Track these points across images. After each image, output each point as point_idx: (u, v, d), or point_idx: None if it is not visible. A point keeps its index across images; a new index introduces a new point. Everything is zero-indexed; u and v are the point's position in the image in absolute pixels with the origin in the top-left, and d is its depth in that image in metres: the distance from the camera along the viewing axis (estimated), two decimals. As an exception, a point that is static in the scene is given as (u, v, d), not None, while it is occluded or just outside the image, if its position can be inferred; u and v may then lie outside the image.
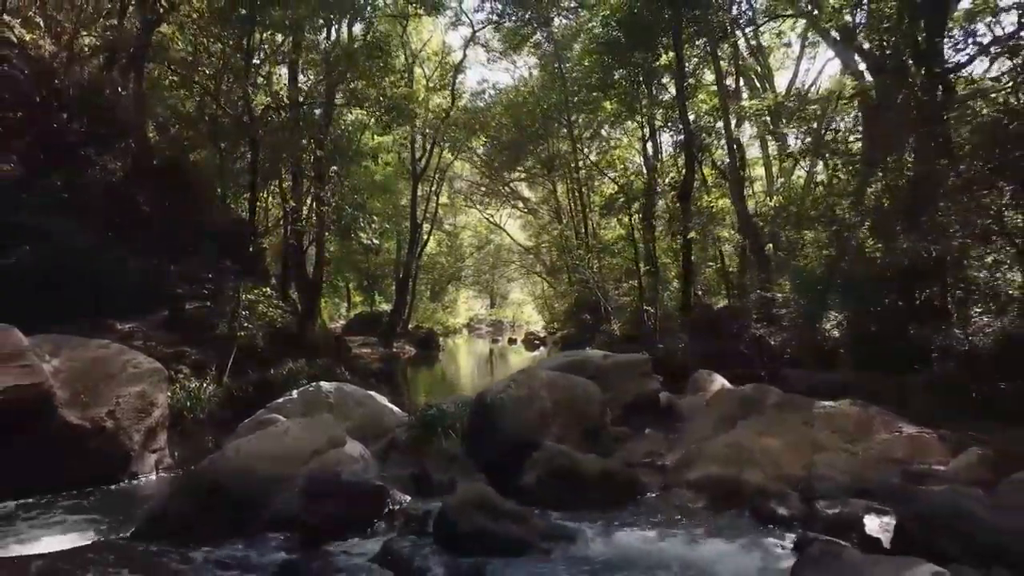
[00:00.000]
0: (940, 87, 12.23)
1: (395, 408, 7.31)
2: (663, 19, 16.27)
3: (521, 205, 35.88)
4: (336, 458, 4.99)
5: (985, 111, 10.83)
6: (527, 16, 25.35)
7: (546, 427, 5.40)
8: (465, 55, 26.56)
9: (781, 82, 25.60)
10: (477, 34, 26.48)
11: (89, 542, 4.46)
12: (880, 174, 13.33)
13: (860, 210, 13.29)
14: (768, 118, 23.80)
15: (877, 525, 3.74)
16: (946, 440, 6.24)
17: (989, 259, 11.16)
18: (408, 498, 4.75)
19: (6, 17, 14.26)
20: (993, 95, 11.33)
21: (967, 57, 12.74)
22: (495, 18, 25.88)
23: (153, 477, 7.07)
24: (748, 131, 20.27)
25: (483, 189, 34.87)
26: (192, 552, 4.06)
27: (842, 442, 6.05)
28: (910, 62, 13.35)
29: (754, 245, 13.98)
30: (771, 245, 15.39)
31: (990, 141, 10.32)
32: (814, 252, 13.71)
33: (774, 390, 7.58)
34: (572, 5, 26.17)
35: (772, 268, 13.68)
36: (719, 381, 8.49)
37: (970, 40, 12.47)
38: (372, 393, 7.53)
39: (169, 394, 8.09)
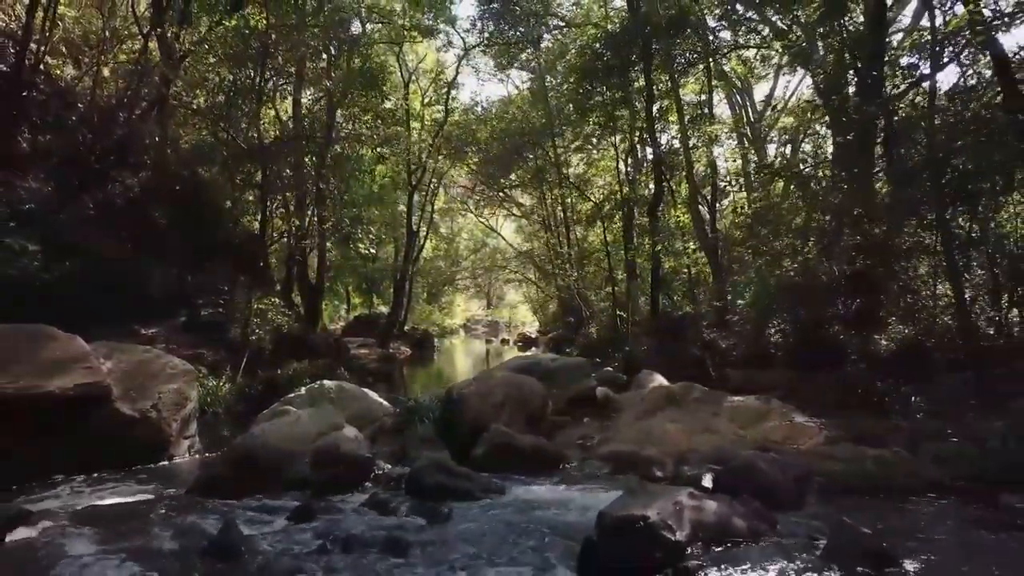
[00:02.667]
0: (880, 116, 13.79)
1: (384, 402, 8.90)
2: (635, 51, 17.85)
3: (516, 209, 37.28)
4: (336, 438, 6.57)
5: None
6: (518, 33, 26.74)
7: (498, 415, 6.99)
8: (458, 72, 28.25)
9: (762, 94, 27.22)
10: (469, 53, 28.08)
11: (154, 497, 6.06)
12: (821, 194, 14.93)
13: (803, 228, 14.90)
14: (747, 131, 25.37)
15: (710, 479, 5.34)
16: (823, 427, 7.83)
17: (922, 270, 12.75)
18: (390, 466, 6.36)
19: (31, 45, 15.74)
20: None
21: (905, 86, 14.30)
22: (486, 37, 27.43)
23: (187, 458, 8.61)
24: (722, 147, 21.76)
25: (477, 196, 36.27)
26: (231, 502, 5.64)
27: (736, 428, 7.62)
28: (851, 91, 14.91)
29: (712, 258, 15.57)
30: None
31: (920, 169, 11.88)
32: (766, 265, 15.28)
33: (698, 387, 9.16)
34: (560, 24, 27.80)
35: (727, 279, 15.29)
36: (658, 379, 10.08)
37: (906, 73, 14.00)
38: (366, 390, 9.13)
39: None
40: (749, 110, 28.22)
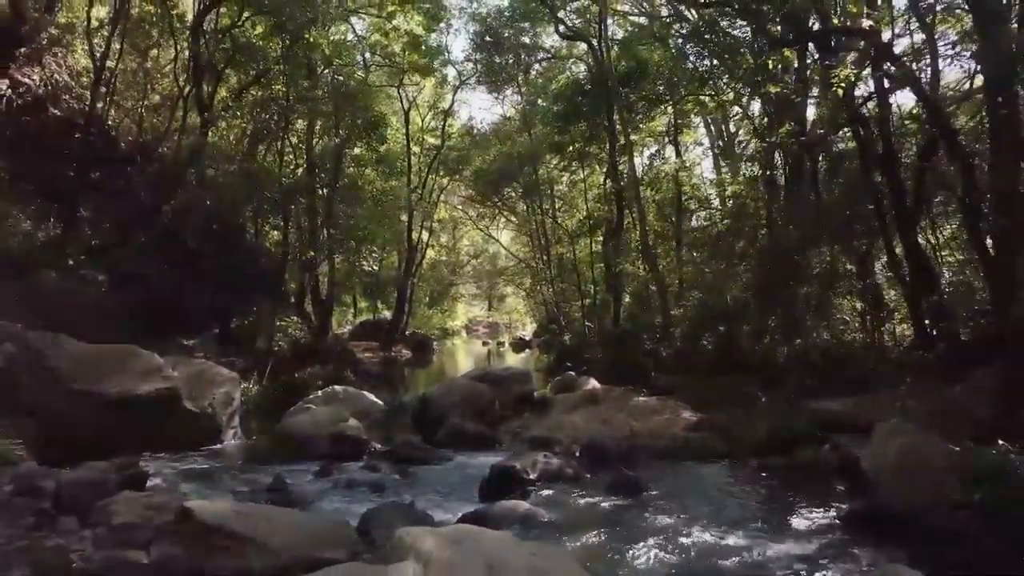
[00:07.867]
0: (807, 159, 16.59)
1: (379, 401, 11.89)
2: (601, 97, 20.69)
3: (514, 218, 39.91)
4: (344, 427, 9.56)
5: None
6: (507, 62, 29.31)
7: (456, 410, 10.01)
8: (454, 101, 31.34)
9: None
10: (465, 83, 31.05)
11: (221, 465, 9.05)
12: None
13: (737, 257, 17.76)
14: (720, 150, 27.98)
15: (578, 450, 8.27)
16: (697, 419, 10.64)
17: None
18: (379, 445, 9.38)
19: (81, 91, 18.52)
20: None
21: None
22: (479, 70, 30.28)
23: (233, 443, 11.47)
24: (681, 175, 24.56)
25: (476, 206, 38.90)
26: (274, 467, 8.58)
27: (630, 420, 10.46)
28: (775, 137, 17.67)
29: (657, 278, 18.48)
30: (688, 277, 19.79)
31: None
32: (709, 284, 18.11)
33: (616, 389, 12.01)
34: (547, 56, 30.67)
35: (669, 296, 18.23)
36: (592, 383, 12.96)
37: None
38: (365, 392, 12.13)
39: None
40: (723, 129, 30.91)
